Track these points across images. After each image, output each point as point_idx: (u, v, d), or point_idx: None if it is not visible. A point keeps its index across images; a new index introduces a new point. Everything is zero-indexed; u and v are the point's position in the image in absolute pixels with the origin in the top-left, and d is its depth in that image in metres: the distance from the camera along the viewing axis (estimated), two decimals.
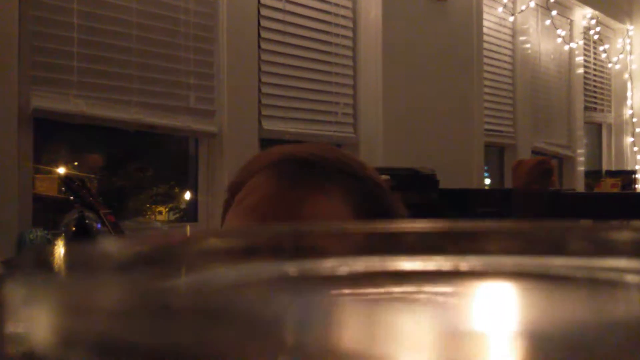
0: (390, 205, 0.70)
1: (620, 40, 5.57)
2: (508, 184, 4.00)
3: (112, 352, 0.14)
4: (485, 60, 3.87)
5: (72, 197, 1.79)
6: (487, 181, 4.06)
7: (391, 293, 0.23)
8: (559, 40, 4.75)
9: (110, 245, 0.23)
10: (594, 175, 4.98)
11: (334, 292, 0.23)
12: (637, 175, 4.93)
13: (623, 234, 0.23)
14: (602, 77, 5.48)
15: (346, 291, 0.24)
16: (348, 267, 0.24)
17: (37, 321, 0.15)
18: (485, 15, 3.86)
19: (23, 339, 0.15)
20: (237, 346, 0.13)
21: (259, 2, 2.61)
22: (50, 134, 2.15)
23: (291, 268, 0.24)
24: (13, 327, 0.15)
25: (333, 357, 0.12)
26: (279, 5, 2.72)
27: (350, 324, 0.13)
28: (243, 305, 0.14)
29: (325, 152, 0.70)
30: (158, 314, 0.14)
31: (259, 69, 2.62)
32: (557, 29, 4.69)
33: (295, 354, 0.12)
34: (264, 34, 2.65)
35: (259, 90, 2.62)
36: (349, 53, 3.05)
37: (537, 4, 4.41)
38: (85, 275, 0.20)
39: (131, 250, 0.23)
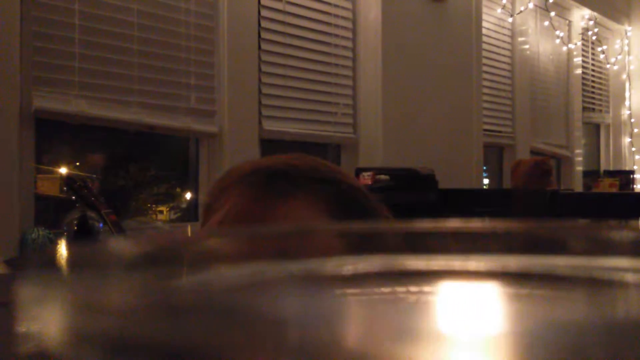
0: (369, 206, 0.70)
1: (618, 41, 5.57)
2: (507, 184, 4.00)
3: (121, 350, 0.14)
4: (484, 60, 3.87)
5: (73, 197, 1.79)
6: (486, 181, 4.05)
7: (395, 293, 0.23)
8: (558, 41, 4.75)
9: (115, 245, 0.24)
10: (592, 175, 4.98)
11: (339, 292, 0.24)
12: (634, 175, 4.93)
13: (622, 234, 0.23)
14: (600, 78, 5.47)
15: (350, 291, 0.24)
16: (352, 267, 0.25)
17: (47, 320, 0.15)
18: (484, 16, 3.86)
19: (33, 337, 0.15)
20: (243, 345, 0.13)
21: (259, 3, 2.61)
22: (52, 134, 2.15)
23: (295, 268, 0.24)
24: (23, 326, 0.16)
25: (338, 356, 0.12)
26: (279, 6, 2.71)
27: (354, 324, 0.13)
28: (249, 305, 0.14)
29: (294, 160, 0.70)
30: (167, 312, 0.15)
31: (259, 69, 2.62)
32: (555, 29, 4.68)
33: (300, 353, 0.12)
34: (264, 35, 2.65)
35: (259, 90, 2.62)
36: (349, 53, 3.05)
37: (535, 5, 4.41)
38: (94, 275, 0.20)
39: (137, 250, 0.23)
